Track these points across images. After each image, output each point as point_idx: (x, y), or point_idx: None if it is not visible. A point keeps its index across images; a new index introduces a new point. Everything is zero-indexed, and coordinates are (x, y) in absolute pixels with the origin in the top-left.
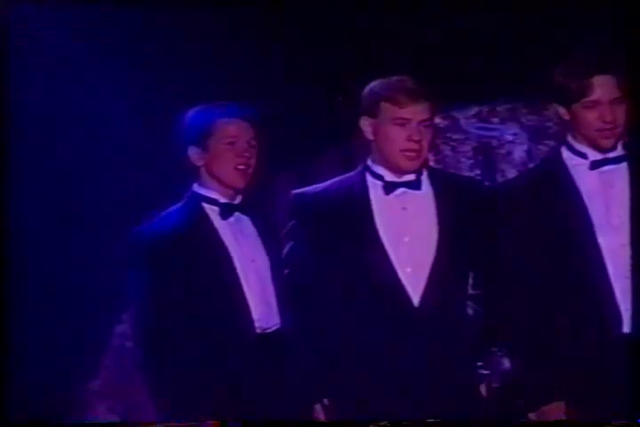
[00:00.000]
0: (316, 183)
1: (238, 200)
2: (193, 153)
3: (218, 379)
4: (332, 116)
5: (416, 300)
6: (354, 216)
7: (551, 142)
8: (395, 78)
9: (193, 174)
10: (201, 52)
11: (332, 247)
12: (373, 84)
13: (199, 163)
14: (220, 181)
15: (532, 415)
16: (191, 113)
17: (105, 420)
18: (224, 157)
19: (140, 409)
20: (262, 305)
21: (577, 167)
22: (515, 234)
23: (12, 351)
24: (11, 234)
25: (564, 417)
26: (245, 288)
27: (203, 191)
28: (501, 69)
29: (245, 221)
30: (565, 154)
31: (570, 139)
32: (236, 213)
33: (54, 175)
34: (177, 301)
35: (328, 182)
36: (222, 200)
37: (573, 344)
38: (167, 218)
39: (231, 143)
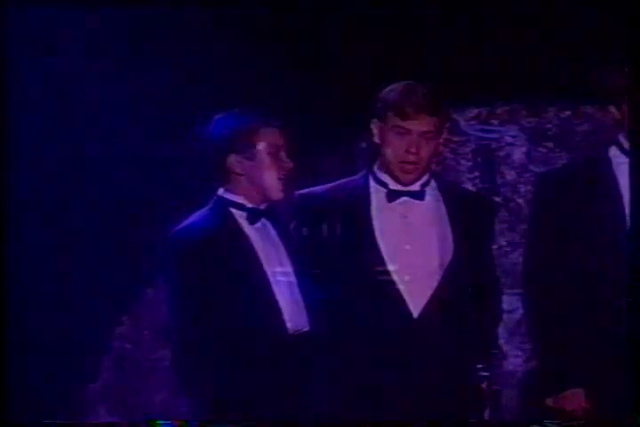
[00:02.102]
0: (319, 184)
1: (264, 206)
2: (234, 161)
3: (248, 379)
4: (335, 117)
5: (415, 309)
6: (353, 220)
7: (550, 144)
8: (405, 86)
9: (220, 179)
10: (203, 52)
11: (330, 250)
12: (386, 88)
13: (240, 171)
14: (259, 190)
15: (548, 401)
16: (226, 119)
17: (105, 421)
18: (269, 166)
19: (141, 410)
20: (293, 307)
21: (621, 166)
22: (541, 230)
23: (13, 352)
24: (11, 234)
25: (583, 405)
26: (276, 291)
27: (230, 197)
28: (501, 71)
29: (269, 226)
30: (613, 152)
31: (621, 138)
32: (262, 219)
33: (56, 176)
34: (209, 304)
35: (331, 184)
36: (249, 205)
37: (592, 338)
38: (196, 223)
39: (275, 153)
